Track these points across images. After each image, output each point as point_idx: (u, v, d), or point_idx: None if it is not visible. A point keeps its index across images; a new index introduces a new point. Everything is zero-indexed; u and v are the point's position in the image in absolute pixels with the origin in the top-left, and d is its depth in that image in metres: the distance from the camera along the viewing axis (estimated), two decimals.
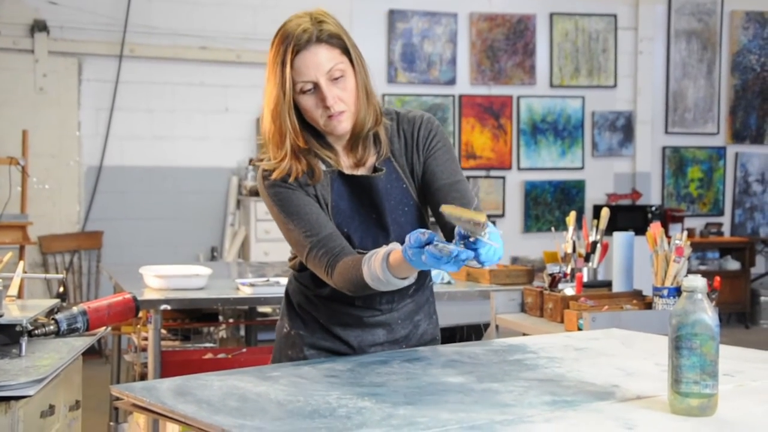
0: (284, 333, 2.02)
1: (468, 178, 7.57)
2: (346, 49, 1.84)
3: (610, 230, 3.12)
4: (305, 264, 1.89)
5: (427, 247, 1.55)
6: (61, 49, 6.46)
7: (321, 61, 1.80)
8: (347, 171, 1.90)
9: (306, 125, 1.87)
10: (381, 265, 1.70)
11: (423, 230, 1.58)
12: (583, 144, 7.89)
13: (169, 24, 6.65)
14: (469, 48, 7.56)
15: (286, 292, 2.06)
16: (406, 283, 1.73)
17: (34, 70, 6.42)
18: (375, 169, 1.91)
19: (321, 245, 1.82)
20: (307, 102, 1.82)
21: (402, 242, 1.78)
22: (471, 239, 1.54)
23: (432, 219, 1.99)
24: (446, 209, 1.54)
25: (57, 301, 2.45)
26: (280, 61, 1.81)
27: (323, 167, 1.88)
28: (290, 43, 1.80)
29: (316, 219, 1.84)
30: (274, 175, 1.85)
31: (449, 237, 1.70)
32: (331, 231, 1.84)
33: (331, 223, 1.86)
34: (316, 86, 1.81)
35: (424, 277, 2.00)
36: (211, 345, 4.33)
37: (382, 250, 1.72)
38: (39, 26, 6.39)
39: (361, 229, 1.89)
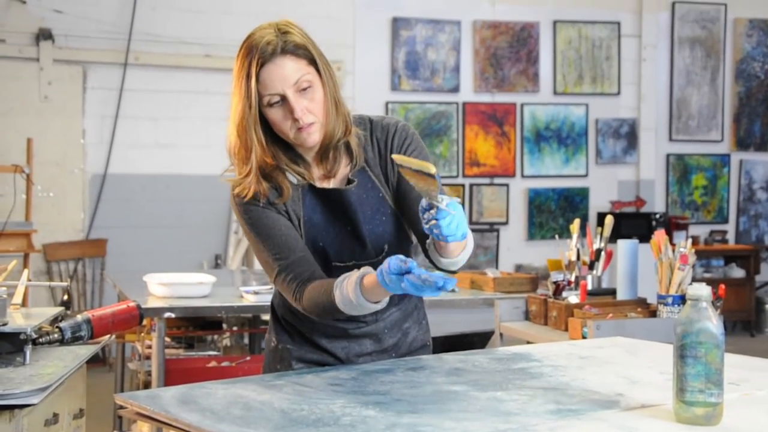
0: (272, 347, 2.00)
1: (471, 185, 7.58)
2: (312, 59, 1.79)
3: (614, 238, 3.11)
4: (275, 286, 1.87)
5: (407, 275, 1.56)
6: (66, 58, 6.48)
7: (287, 72, 1.76)
8: (318, 184, 1.87)
9: (275, 138, 1.83)
10: (354, 289, 1.68)
11: (403, 258, 1.58)
12: (587, 151, 7.88)
13: (174, 32, 6.67)
14: (473, 55, 7.57)
15: (272, 306, 2.03)
16: (379, 306, 1.72)
17: (39, 78, 6.44)
18: (348, 181, 1.87)
19: (290, 269, 1.80)
20: (275, 115, 1.78)
21: (379, 252, 1.86)
22: (432, 210, 1.54)
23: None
24: (397, 158, 1.57)
25: (61, 309, 2.45)
26: (245, 74, 1.77)
27: (294, 181, 1.85)
28: (255, 56, 1.76)
29: (285, 241, 1.81)
30: (237, 191, 1.82)
31: (418, 233, 1.78)
32: (300, 255, 1.81)
33: (301, 244, 1.83)
34: (284, 98, 1.77)
35: None
36: (215, 353, 4.33)
37: (355, 275, 1.70)
38: (44, 35, 6.41)
39: (336, 242, 1.86)
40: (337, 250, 1.86)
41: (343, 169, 1.88)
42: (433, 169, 1.52)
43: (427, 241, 1.76)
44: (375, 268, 1.68)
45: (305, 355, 1.95)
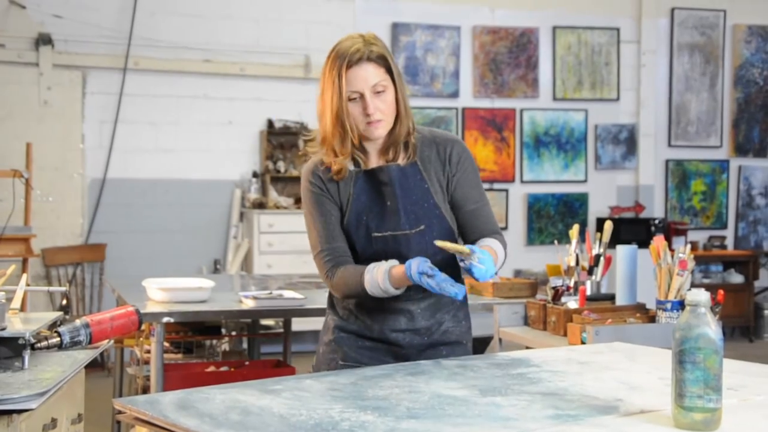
0: (326, 322, 2.35)
1: None
2: (389, 68, 2.16)
3: (613, 243, 3.11)
4: (314, 260, 2.24)
5: (429, 278, 2.00)
6: (66, 63, 6.48)
7: (368, 76, 2.14)
8: (371, 167, 2.23)
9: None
10: (383, 276, 2.09)
11: (431, 265, 2.00)
12: (586, 157, 7.89)
13: (173, 37, 6.68)
14: (472, 61, 7.58)
15: (329, 293, 2.37)
16: (400, 291, 2.12)
17: (39, 83, 6.44)
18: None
19: (329, 251, 2.22)
20: (354, 109, 2.16)
21: (413, 227, 2.20)
22: (466, 262, 2.01)
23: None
24: (439, 244, 2.01)
25: (60, 313, 2.45)
26: (336, 73, 2.14)
27: (351, 167, 2.23)
28: (345, 60, 2.13)
29: (333, 229, 2.23)
30: (334, 169, 2.20)
31: (466, 241, 2.23)
32: (341, 243, 2.22)
33: (343, 237, 2.23)
34: (362, 96, 2.14)
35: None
36: (214, 358, 4.32)
37: (385, 264, 2.11)
38: (44, 39, 6.41)
39: (378, 217, 2.20)
40: (378, 222, 2.20)
41: (401, 161, 2.23)
42: (466, 251, 2.00)
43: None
44: (407, 241, 2.18)
45: (347, 326, 2.27)
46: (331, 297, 2.34)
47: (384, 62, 2.16)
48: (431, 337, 2.25)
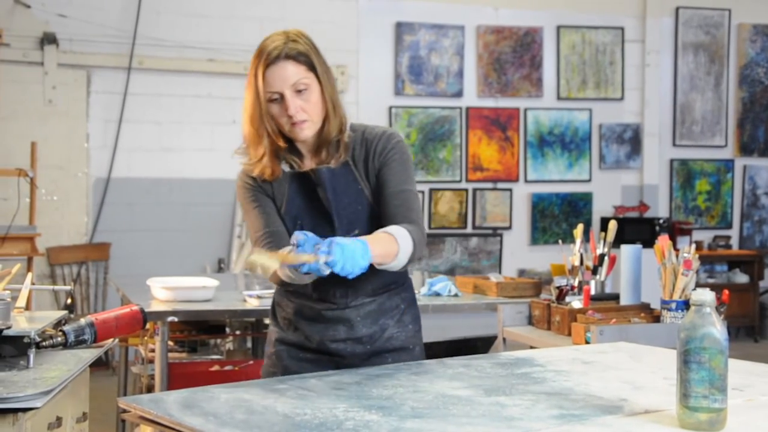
0: (268, 332, 2.26)
1: (474, 190, 7.57)
2: (312, 66, 2.05)
3: (617, 243, 3.11)
4: (253, 246, 2.10)
5: (298, 249, 1.81)
6: (70, 62, 6.49)
7: (287, 75, 2.02)
8: (304, 169, 2.12)
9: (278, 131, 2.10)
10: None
11: (318, 242, 1.81)
12: (590, 156, 7.88)
13: (177, 37, 6.69)
14: (476, 60, 7.58)
15: (273, 300, 2.29)
16: (307, 279, 1.98)
17: (44, 82, 6.45)
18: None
19: (269, 236, 2.09)
20: (275, 110, 2.05)
21: (346, 234, 2.05)
22: (319, 265, 1.80)
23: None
24: (281, 258, 1.83)
25: (65, 312, 2.45)
26: (254, 73, 2.05)
27: (286, 169, 2.12)
28: (263, 58, 2.03)
29: (269, 216, 2.12)
30: (255, 173, 2.10)
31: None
32: (279, 228, 2.10)
33: (280, 222, 2.11)
34: (282, 96, 2.03)
35: (388, 282, 2.15)
36: (218, 357, 4.33)
37: None
38: (48, 39, 6.42)
39: (312, 221, 2.09)
40: (312, 227, 2.04)
41: (333, 163, 2.11)
42: (307, 258, 1.79)
43: None
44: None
45: (287, 338, 2.17)
46: (273, 306, 2.24)
47: (306, 59, 2.04)
48: (374, 345, 2.13)
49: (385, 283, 2.14)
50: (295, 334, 2.16)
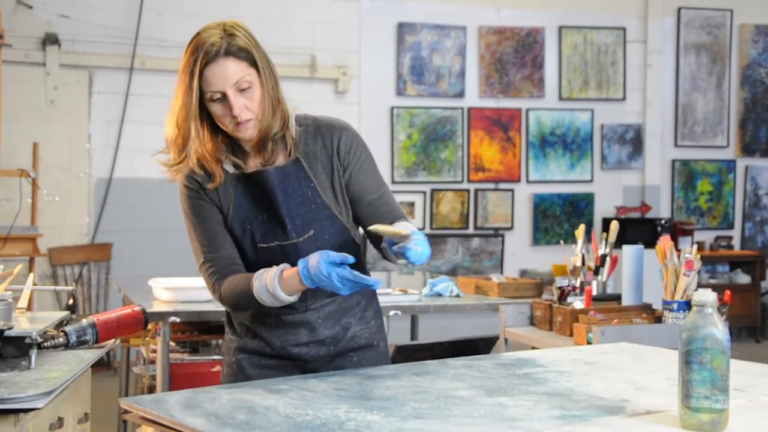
0: (225, 341, 2.16)
1: (476, 191, 7.57)
2: (253, 61, 1.93)
3: (619, 243, 3.11)
4: (199, 270, 2.03)
5: (339, 267, 1.77)
6: (72, 62, 6.50)
7: (229, 73, 1.89)
8: (249, 171, 2.00)
9: (217, 129, 1.98)
10: (273, 279, 1.86)
11: (328, 253, 1.78)
12: (592, 157, 7.88)
13: (179, 37, 6.68)
14: (478, 61, 7.57)
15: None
16: (293, 299, 1.89)
17: (45, 82, 6.46)
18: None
19: (214, 262, 1.98)
20: (217, 109, 1.92)
21: (301, 234, 1.98)
22: (399, 245, 1.81)
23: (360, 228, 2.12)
24: (375, 228, 1.83)
25: (66, 313, 2.45)
26: (189, 71, 1.91)
27: (230, 170, 2.00)
28: (200, 55, 1.89)
29: (214, 236, 2.00)
30: (169, 175, 2.00)
31: (375, 243, 1.97)
32: (226, 252, 1.99)
33: (229, 241, 2.00)
34: (224, 96, 1.90)
35: None
36: (220, 357, 4.33)
37: (275, 268, 1.88)
38: (50, 39, 6.43)
39: (262, 226, 1.99)
40: (263, 232, 1.98)
41: (280, 160, 2.00)
42: (407, 233, 1.80)
43: (382, 245, 1.92)
44: (296, 250, 1.95)
45: (247, 345, 2.07)
46: (227, 313, 2.14)
47: (247, 55, 1.91)
48: (338, 346, 2.05)
49: None
50: (254, 341, 2.06)
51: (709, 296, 1.37)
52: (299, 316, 2.02)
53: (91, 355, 2.16)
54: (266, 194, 1.97)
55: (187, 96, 1.92)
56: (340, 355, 2.05)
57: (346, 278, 1.76)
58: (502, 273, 7.29)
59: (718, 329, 1.36)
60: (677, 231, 7.71)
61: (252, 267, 1.98)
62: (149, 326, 3.69)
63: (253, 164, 2.00)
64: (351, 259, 1.78)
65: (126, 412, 1.57)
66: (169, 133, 1.97)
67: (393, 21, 7.35)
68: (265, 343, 2.04)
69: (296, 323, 2.02)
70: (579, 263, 3.10)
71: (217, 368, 3.82)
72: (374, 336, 2.11)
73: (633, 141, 7.96)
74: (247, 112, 1.91)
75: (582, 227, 3.15)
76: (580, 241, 3.12)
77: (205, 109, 1.94)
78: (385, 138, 7.35)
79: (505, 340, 3.07)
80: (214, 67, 1.89)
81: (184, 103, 1.92)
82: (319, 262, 1.77)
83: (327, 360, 2.04)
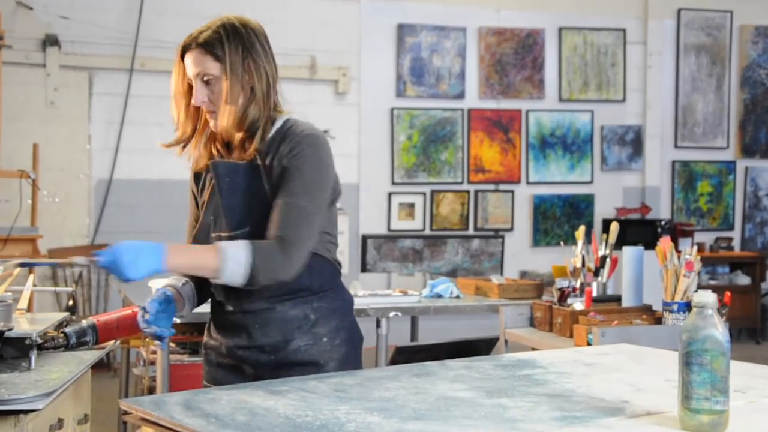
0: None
1: (476, 192, 7.56)
2: (218, 56, 2.01)
3: (619, 245, 3.11)
4: None
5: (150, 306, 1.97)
6: (72, 64, 6.50)
7: (192, 64, 2.03)
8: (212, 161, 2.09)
9: None
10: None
11: (164, 300, 1.99)
12: (592, 158, 7.88)
13: (179, 38, 6.64)
14: (478, 62, 7.58)
15: None
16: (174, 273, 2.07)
17: (46, 84, 6.46)
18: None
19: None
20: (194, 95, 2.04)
21: (235, 228, 2.01)
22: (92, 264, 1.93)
23: None
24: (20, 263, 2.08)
25: (66, 314, 2.45)
26: (178, 56, 2.10)
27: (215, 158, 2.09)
28: (183, 43, 2.08)
29: (191, 226, 2.17)
30: (188, 160, 2.13)
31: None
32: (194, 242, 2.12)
33: (198, 230, 2.12)
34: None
35: (292, 289, 2.01)
36: None
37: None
38: (50, 41, 6.43)
39: (215, 215, 2.08)
40: (216, 221, 2.08)
41: (244, 156, 2.05)
42: (77, 261, 1.98)
43: None
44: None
45: (209, 342, 2.15)
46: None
47: (212, 49, 2.00)
48: (278, 356, 2.01)
49: (288, 290, 2.01)
50: (213, 339, 2.13)
51: (709, 297, 1.37)
52: (237, 318, 2.05)
53: (91, 356, 2.16)
54: (218, 185, 2.05)
55: (176, 79, 2.08)
56: (282, 365, 2.01)
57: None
58: (502, 274, 7.29)
59: (719, 330, 1.36)
60: (677, 232, 7.71)
61: None
62: None
63: (234, 157, 2.07)
64: (153, 308, 1.92)
65: (126, 413, 1.57)
66: (171, 110, 2.13)
67: (393, 22, 7.35)
68: (219, 343, 2.10)
69: (237, 325, 2.05)
70: (579, 264, 3.10)
71: None
72: (324, 354, 2.04)
73: (633, 142, 7.96)
74: (208, 103, 2.02)
75: (582, 228, 3.16)
76: (580, 243, 3.13)
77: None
78: (385, 139, 7.35)
79: (505, 341, 3.07)
80: (187, 56, 2.05)
81: (173, 85, 2.09)
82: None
83: (269, 368, 2.01)
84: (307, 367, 2.00)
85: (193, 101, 2.02)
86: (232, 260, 1.89)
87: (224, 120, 2.01)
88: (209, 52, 2.00)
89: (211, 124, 2.04)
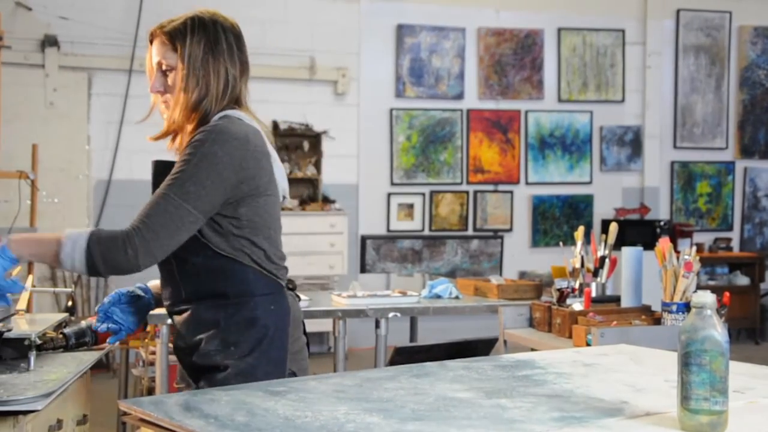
0: None
1: (475, 192, 7.56)
2: (176, 48, 1.98)
3: (618, 245, 3.11)
4: None
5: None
6: (72, 64, 6.50)
7: (153, 52, 2.01)
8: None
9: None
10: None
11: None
12: (591, 158, 7.88)
13: None
14: (477, 62, 7.58)
15: None
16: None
17: (45, 84, 6.46)
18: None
19: None
20: None
21: None
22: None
23: None
24: None
25: (65, 315, 2.45)
26: (148, 45, 2.05)
27: None
28: (150, 31, 2.04)
29: None
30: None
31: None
32: None
33: None
34: None
35: (202, 292, 1.95)
36: None
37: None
38: (50, 41, 6.43)
39: None
40: None
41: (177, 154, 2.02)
42: None
43: None
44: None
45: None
46: None
47: (171, 40, 1.97)
48: (191, 358, 1.95)
49: (199, 293, 1.95)
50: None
51: (708, 298, 1.37)
52: (173, 318, 2.02)
53: (90, 357, 2.16)
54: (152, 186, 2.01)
55: (149, 67, 2.03)
56: (197, 368, 1.95)
57: None
58: (501, 275, 7.29)
59: (717, 331, 1.36)
60: (676, 233, 7.71)
61: None
62: (148, 328, 3.68)
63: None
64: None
65: (125, 413, 1.57)
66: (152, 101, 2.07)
67: (392, 23, 7.35)
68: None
69: (174, 325, 2.03)
70: (578, 265, 3.10)
71: None
72: (226, 361, 1.91)
73: (632, 143, 7.96)
74: (163, 93, 2.00)
75: (581, 229, 3.16)
76: (579, 243, 3.13)
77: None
78: (385, 140, 7.35)
79: (504, 341, 3.07)
80: (153, 44, 2.02)
81: (148, 74, 2.03)
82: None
83: (191, 369, 1.97)
84: (211, 372, 1.92)
85: (149, 89, 2.00)
86: (71, 248, 1.83)
87: (174, 112, 1.97)
88: (171, 43, 1.97)
89: (164, 115, 2.01)
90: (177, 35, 1.97)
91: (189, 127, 1.99)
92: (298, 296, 2.12)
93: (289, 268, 2.06)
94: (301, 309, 2.12)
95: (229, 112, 1.99)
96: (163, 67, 1.98)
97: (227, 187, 1.89)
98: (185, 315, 1.97)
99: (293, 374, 2.00)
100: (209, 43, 1.99)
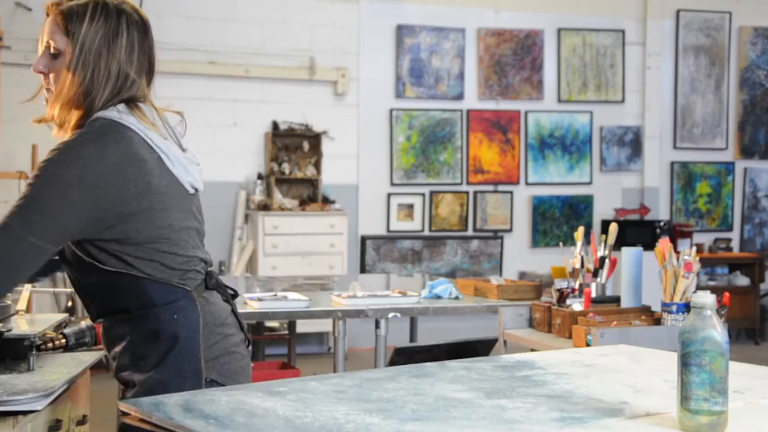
0: None
1: (475, 193, 7.56)
2: (68, 31, 1.77)
3: (618, 245, 3.11)
4: None
5: None
6: None
7: (46, 30, 1.80)
8: None
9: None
10: None
11: None
12: (591, 159, 7.88)
13: (178, 39, 6.69)
14: (477, 63, 7.58)
15: None
16: None
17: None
18: None
19: None
20: None
21: None
22: None
23: None
24: None
25: (65, 315, 2.45)
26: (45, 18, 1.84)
27: None
28: (47, 3, 1.81)
29: None
30: None
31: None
32: None
33: None
34: None
35: (111, 308, 1.85)
36: None
37: None
38: None
39: None
40: None
41: None
42: None
43: None
44: None
45: None
46: None
47: (63, 21, 1.76)
48: (116, 370, 1.86)
49: (107, 309, 1.85)
50: None
51: (708, 298, 1.37)
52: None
53: (89, 357, 2.16)
54: None
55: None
56: (121, 383, 1.87)
57: None
58: (501, 275, 7.30)
59: (717, 331, 1.36)
60: (676, 233, 7.71)
61: None
62: None
63: None
64: None
65: (124, 414, 1.57)
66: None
67: (392, 23, 7.36)
68: None
69: None
70: (578, 265, 3.10)
71: None
72: (135, 376, 1.81)
73: (632, 143, 7.97)
74: (46, 77, 1.82)
75: (581, 229, 3.16)
76: (579, 243, 3.13)
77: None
78: (384, 140, 7.35)
79: (504, 342, 3.07)
80: (47, 19, 1.81)
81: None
82: None
83: (118, 382, 1.90)
84: (129, 389, 1.82)
85: (33, 67, 1.80)
86: None
87: (53, 108, 1.82)
88: (64, 25, 1.76)
89: (46, 103, 1.84)
90: (72, 18, 1.76)
91: (73, 120, 1.82)
92: (227, 290, 2.01)
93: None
94: (228, 307, 2.00)
95: (107, 112, 1.80)
96: (51, 50, 1.78)
97: (81, 210, 1.71)
98: (103, 330, 1.89)
99: (214, 383, 1.85)
100: (107, 36, 1.78)
